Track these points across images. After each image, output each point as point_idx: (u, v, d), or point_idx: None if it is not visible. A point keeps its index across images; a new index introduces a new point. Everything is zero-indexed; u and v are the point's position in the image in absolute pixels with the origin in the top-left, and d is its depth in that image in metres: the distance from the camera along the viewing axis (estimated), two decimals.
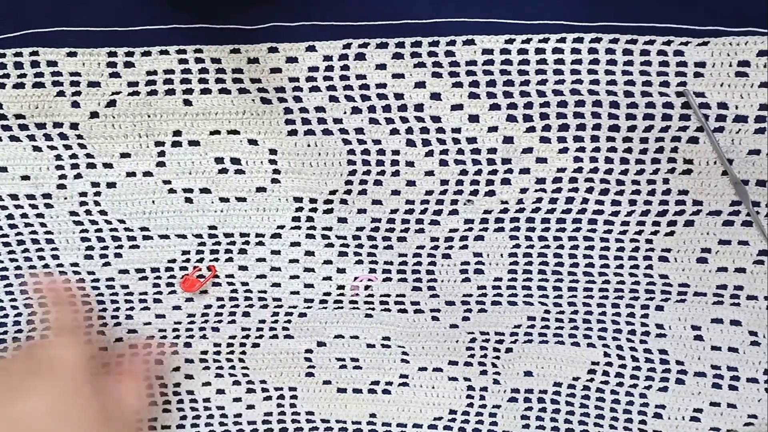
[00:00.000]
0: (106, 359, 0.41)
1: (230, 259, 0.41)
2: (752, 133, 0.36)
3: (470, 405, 0.43)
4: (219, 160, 0.40)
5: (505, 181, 0.39)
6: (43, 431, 0.34)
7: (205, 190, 0.40)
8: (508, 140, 0.38)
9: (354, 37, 0.37)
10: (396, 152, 0.39)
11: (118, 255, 0.41)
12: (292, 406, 0.44)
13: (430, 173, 0.39)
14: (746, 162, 0.37)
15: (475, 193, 0.39)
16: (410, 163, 0.39)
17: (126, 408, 0.39)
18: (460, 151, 0.38)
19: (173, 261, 0.41)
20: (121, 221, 0.41)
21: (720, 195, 0.38)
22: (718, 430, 0.41)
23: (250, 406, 0.44)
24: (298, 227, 0.41)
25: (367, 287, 0.41)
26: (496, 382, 0.42)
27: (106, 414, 0.38)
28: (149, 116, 0.39)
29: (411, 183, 0.39)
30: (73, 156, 0.39)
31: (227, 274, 0.42)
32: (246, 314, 0.42)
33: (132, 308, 0.42)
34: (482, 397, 0.43)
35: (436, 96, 0.38)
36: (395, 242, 0.40)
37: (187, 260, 0.41)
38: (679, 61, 0.36)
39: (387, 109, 0.38)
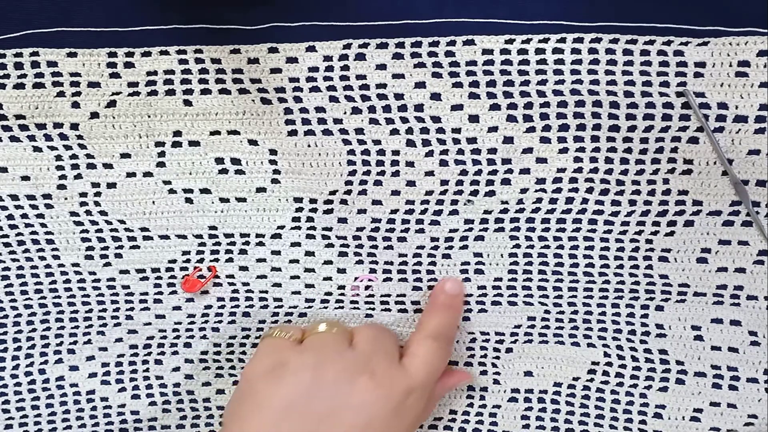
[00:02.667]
0: None
1: (230, 260, 0.41)
2: (752, 134, 0.36)
3: (470, 405, 0.43)
4: (219, 161, 0.40)
5: (505, 182, 0.39)
6: (379, 422, 0.35)
7: (205, 191, 0.40)
8: (508, 140, 0.38)
9: (354, 38, 0.37)
10: (396, 152, 0.39)
11: (118, 255, 0.41)
12: None
13: (430, 173, 0.39)
14: (746, 162, 0.37)
15: (475, 193, 0.39)
16: (410, 164, 0.39)
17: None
18: (460, 152, 0.38)
19: (173, 261, 0.41)
20: (122, 221, 0.41)
21: (720, 195, 0.38)
22: (718, 430, 0.41)
23: None
24: (299, 227, 0.41)
25: (367, 287, 0.41)
26: (496, 382, 0.42)
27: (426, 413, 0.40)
28: (149, 116, 0.39)
29: (411, 183, 0.39)
30: (74, 156, 0.39)
31: (228, 274, 0.42)
32: (246, 314, 0.42)
33: (132, 308, 0.42)
34: (482, 397, 0.43)
35: (436, 96, 0.38)
36: (395, 242, 0.40)
37: (188, 260, 0.41)
38: (679, 61, 0.36)
39: (387, 109, 0.38)
